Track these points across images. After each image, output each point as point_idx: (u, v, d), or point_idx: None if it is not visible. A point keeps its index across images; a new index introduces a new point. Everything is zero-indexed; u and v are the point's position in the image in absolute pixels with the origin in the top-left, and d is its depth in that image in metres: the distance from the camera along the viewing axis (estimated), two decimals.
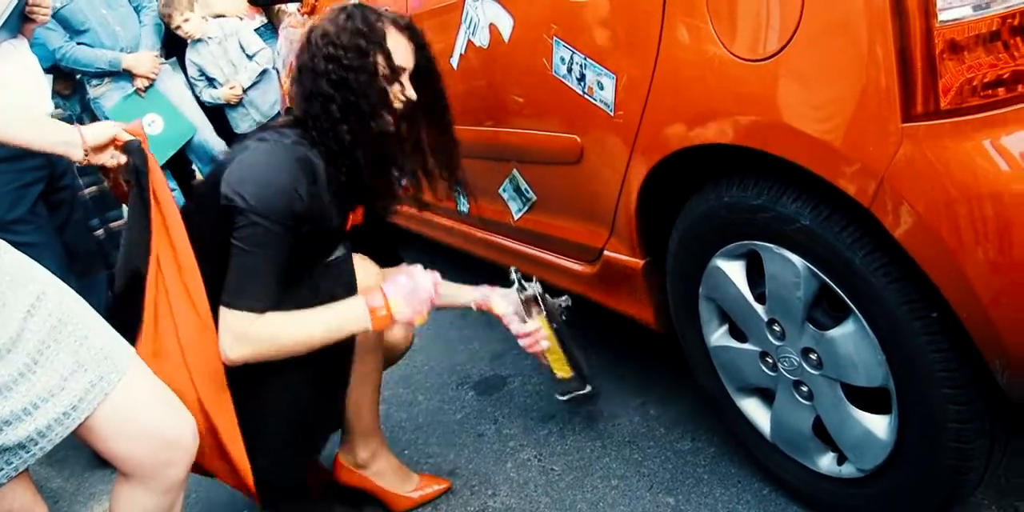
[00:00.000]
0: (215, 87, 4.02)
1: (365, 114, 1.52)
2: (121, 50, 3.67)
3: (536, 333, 1.69)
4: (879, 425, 1.32)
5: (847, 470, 1.44)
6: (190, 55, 3.99)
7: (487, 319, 2.77)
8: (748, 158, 1.33)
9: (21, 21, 2.12)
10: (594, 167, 1.69)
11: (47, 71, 3.44)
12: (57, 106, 3.37)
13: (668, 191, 1.56)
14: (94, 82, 3.79)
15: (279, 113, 4.50)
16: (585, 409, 2.16)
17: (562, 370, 1.74)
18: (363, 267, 1.68)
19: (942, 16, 1.01)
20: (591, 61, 1.57)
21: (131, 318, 1.50)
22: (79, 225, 2.39)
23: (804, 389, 1.43)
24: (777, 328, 1.42)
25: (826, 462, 1.48)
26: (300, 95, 1.57)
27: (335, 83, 1.51)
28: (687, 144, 1.41)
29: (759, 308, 1.44)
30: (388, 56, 1.53)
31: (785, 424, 1.52)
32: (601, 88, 1.57)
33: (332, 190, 1.56)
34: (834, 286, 1.27)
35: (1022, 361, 1.11)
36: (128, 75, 3.70)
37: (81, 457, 2.39)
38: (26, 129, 1.38)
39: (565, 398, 1.77)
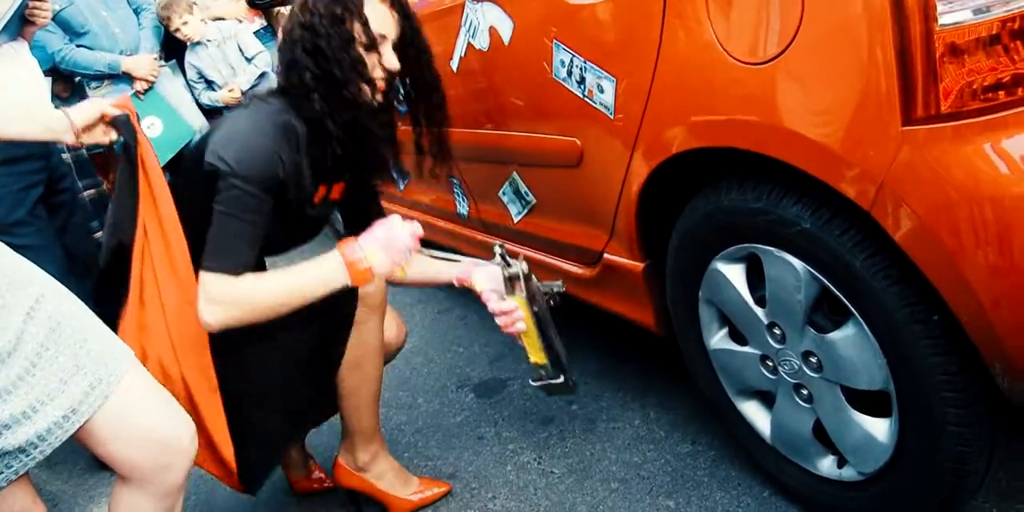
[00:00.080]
0: (214, 90, 4.01)
1: (339, 82, 1.50)
2: (121, 53, 3.67)
3: (513, 313, 1.63)
4: (879, 428, 1.32)
5: (847, 473, 1.43)
6: (189, 58, 3.99)
7: (487, 322, 2.78)
8: (748, 161, 1.33)
9: (21, 24, 2.12)
10: (594, 170, 1.69)
11: (46, 74, 3.44)
12: (56, 108, 3.38)
13: (668, 194, 1.56)
14: (93, 84, 3.78)
15: None
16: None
17: (536, 355, 1.68)
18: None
19: (942, 20, 1.01)
20: (591, 64, 1.58)
21: (117, 291, 1.51)
22: (79, 228, 2.40)
23: (804, 392, 1.43)
24: (777, 331, 1.42)
25: (826, 465, 1.48)
26: (280, 63, 1.56)
27: (310, 51, 1.49)
28: (687, 147, 1.41)
29: (759, 311, 1.44)
30: (365, 23, 1.51)
31: (785, 427, 1.52)
32: (601, 91, 1.57)
33: (311, 160, 1.54)
34: (834, 289, 1.27)
35: (1022, 364, 1.11)
36: (127, 78, 3.70)
37: (80, 460, 2.39)
38: (16, 120, 1.38)
39: (537, 384, 1.71)
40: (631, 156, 1.54)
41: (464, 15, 1.97)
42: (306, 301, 1.48)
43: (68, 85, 4.01)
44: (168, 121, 3.83)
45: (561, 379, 1.67)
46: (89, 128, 1.45)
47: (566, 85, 1.66)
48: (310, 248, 1.72)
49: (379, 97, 1.58)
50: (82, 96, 3.95)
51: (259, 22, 4.34)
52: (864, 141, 1.12)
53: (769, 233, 1.34)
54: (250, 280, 1.44)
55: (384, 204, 3.10)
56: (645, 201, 1.58)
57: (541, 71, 1.72)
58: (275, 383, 1.64)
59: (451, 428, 2.20)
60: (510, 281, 1.62)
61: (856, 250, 1.21)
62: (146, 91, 3.76)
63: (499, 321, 1.66)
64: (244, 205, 1.44)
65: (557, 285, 1.69)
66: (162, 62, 3.85)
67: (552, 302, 1.69)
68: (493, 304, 1.65)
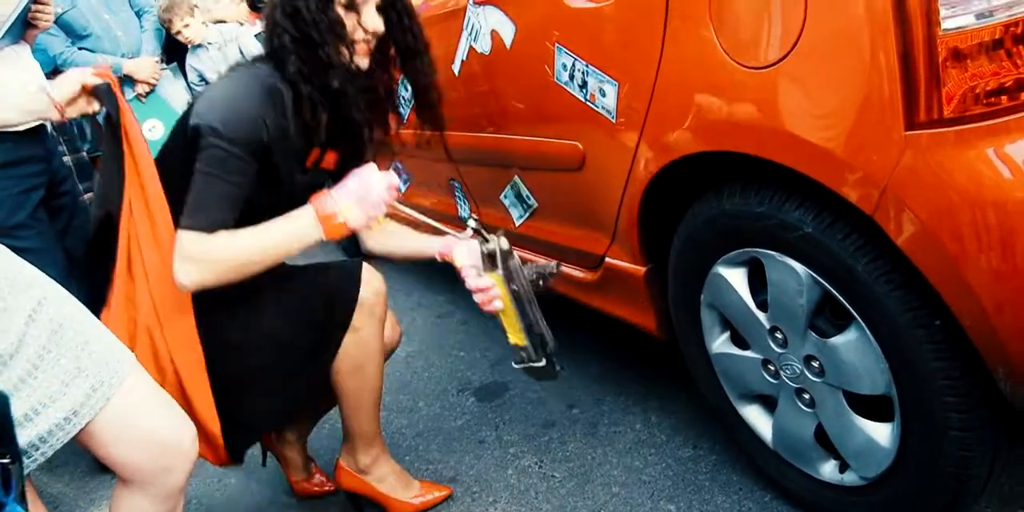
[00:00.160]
0: None
1: (316, 44, 1.48)
2: (123, 56, 3.67)
3: (489, 290, 1.58)
4: (881, 433, 1.32)
5: (849, 478, 1.43)
6: (190, 60, 3.99)
7: (487, 326, 2.78)
8: (750, 165, 1.33)
9: (23, 27, 2.12)
10: (596, 174, 1.69)
11: (48, 76, 3.44)
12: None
13: (670, 198, 1.56)
14: None
15: None
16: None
17: (515, 336, 1.62)
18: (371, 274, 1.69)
19: (945, 24, 1.01)
20: (593, 68, 1.58)
21: (104, 260, 1.52)
22: (80, 230, 2.39)
23: (806, 397, 1.43)
24: (779, 335, 1.41)
25: (828, 470, 1.47)
26: (264, 28, 1.56)
27: (288, 12, 1.49)
28: (689, 151, 1.41)
29: (761, 315, 1.44)
30: None
31: (787, 431, 1.52)
32: (603, 95, 1.57)
33: (298, 124, 1.53)
34: (836, 294, 1.27)
35: None
36: (129, 81, 3.70)
37: (81, 462, 2.39)
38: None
39: (519, 367, 1.65)
40: (633, 160, 1.54)
41: (466, 18, 1.97)
42: (280, 258, 1.47)
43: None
44: (170, 124, 3.82)
45: (543, 362, 1.61)
46: (72, 101, 1.44)
47: (568, 89, 1.66)
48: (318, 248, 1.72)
49: (361, 61, 1.56)
50: None
51: (260, 25, 4.35)
52: (867, 146, 1.12)
53: (771, 237, 1.34)
54: (223, 237, 1.43)
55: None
56: (647, 205, 1.58)
57: (543, 75, 1.72)
58: (265, 370, 1.63)
59: (452, 432, 2.20)
60: (488, 257, 1.56)
61: (858, 254, 1.21)
62: (147, 94, 3.77)
63: (476, 299, 1.61)
64: (226, 166, 1.44)
65: (551, 266, 1.64)
66: (163, 65, 3.86)
67: (543, 283, 1.62)
68: (470, 280, 1.61)
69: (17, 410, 1.17)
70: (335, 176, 1.71)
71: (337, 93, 1.52)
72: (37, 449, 1.20)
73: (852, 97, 1.12)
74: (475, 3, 1.92)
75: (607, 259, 1.79)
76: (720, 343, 1.60)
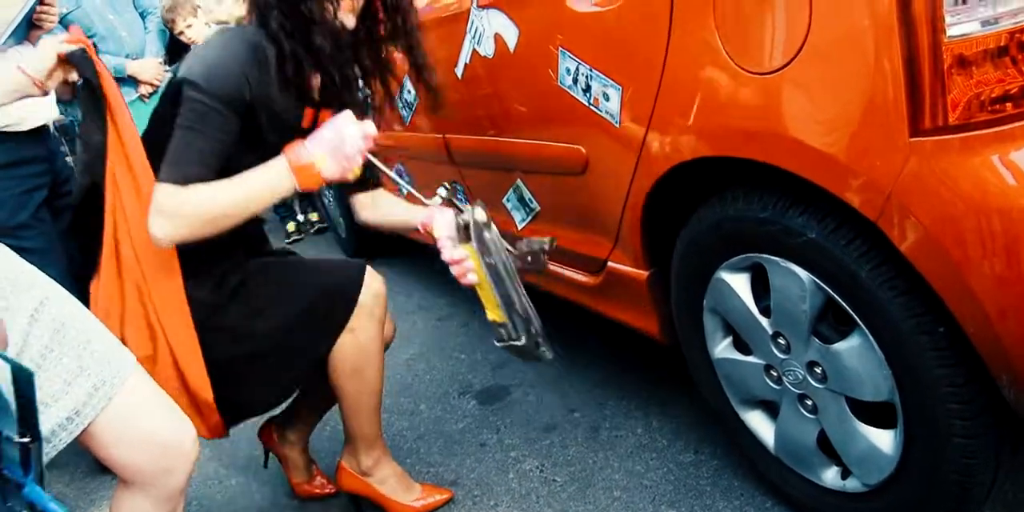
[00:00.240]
0: None
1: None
2: (127, 56, 3.68)
3: (462, 262, 1.53)
4: (884, 439, 1.32)
5: (851, 484, 1.43)
6: None
7: (489, 329, 2.77)
8: (754, 170, 1.32)
9: (28, 28, 2.12)
10: (599, 178, 1.69)
11: None
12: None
13: (673, 202, 1.56)
14: None
15: None
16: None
17: (493, 312, 1.57)
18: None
19: (950, 31, 1.01)
20: (597, 72, 1.57)
21: (88, 221, 1.53)
22: None
23: (809, 403, 1.43)
24: (782, 341, 1.41)
25: (830, 476, 1.47)
26: None
27: None
28: (693, 156, 1.40)
29: (764, 321, 1.43)
30: None
31: (789, 437, 1.51)
32: (607, 99, 1.57)
33: (282, 82, 1.52)
34: (840, 300, 1.27)
35: None
36: (132, 81, 3.71)
37: (81, 462, 2.39)
38: None
39: (500, 345, 1.60)
40: (636, 164, 1.54)
41: (469, 21, 1.97)
42: (254, 210, 1.47)
43: (71, 88, 4.02)
44: None
45: (523, 341, 1.55)
46: (50, 73, 1.43)
47: (571, 93, 1.66)
48: (319, 251, 1.71)
49: (346, 18, 1.54)
50: None
51: None
52: (871, 152, 1.12)
53: (775, 243, 1.34)
54: (196, 190, 1.42)
55: None
56: (650, 209, 1.58)
57: (546, 78, 1.72)
58: (259, 357, 1.63)
59: (453, 435, 2.20)
60: (463, 229, 1.51)
61: (862, 261, 1.21)
62: (151, 95, 3.77)
63: (452, 271, 1.57)
64: (206, 119, 1.43)
65: (544, 242, 1.58)
66: (167, 66, 3.86)
67: (533, 260, 1.57)
68: (445, 252, 1.57)
69: None
70: None
71: (320, 49, 1.50)
72: None
73: (857, 103, 1.12)
74: (478, 6, 1.92)
75: (610, 263, 1.79)
76: (722, 348, 1.60)
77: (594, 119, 1.62)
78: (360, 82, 1.68)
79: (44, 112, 2.28)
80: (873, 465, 1.35)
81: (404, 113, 2.52)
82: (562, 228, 1.95)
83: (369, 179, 1.78)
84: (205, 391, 1.55)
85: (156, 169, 1.45)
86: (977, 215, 1.05)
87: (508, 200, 2.11)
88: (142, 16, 3.79)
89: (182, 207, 1.41)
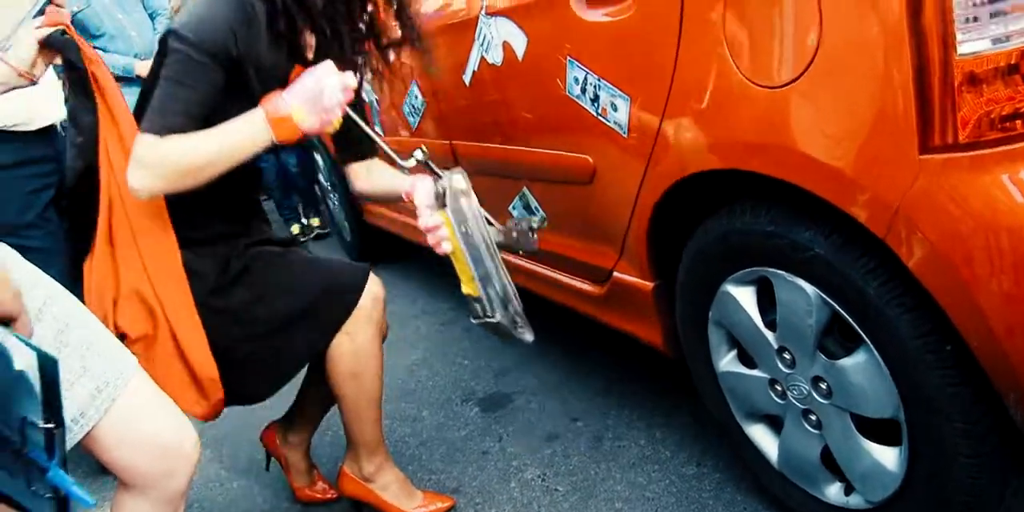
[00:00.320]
0: None
1: None
2: (136, 56, 3.69)
3: (436, 230, 1.50)
4: (889, 457, 1.31)
5: (855, 501, 1.42)
6: None
7: (491, 335, 2.77)
8: (762, 184, 1.32)
9: None
10: (606, 188, 1.69)
11: (60, 75, 3.46)
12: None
13: (680, 214, 1.55)
14: None
15: None
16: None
17: (467, 285, 1.52)
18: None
19: (961, 49, 1.00)
20: (605, 82, 1.57)
21: (86, 216, 1.52)
22: None
23: (813, 418, 1.42)
24: (787, 356, 1.40)
25: (833, 492, 1.46)
26: None
27: None
28: (701, 168, 1.40)
29: (769, 335, 1.43)
30: None
31: (793, 452, 1.51)
32: (615, 109, 1.56)
33: (274, 37, 1.51)
34: (846, 315, 1.26)
35: None
36: (141, 81, 3.72)
37: (83, 463, 2.38)
38: None
39: (475, 322, 1.56)
40: (644, 175, 1.53)
41: (478, 29, 1.97)
42: (231, 162, 1.44)
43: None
44: None
45: (498, 318, 1.50)
46: (34, 62, 1.42)
47: (579, 102, 1.66)
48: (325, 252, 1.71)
49: None
50: None
51: None
52: (880, 168, 1.11)
53: (782, 257, 1.33)
54: (174, 141, 1.41)
55: (392, 214, 3.11)
56: (656, 220, 1.58)
57: (555, 87, 1.71)
58: (252, 341, 1.63)
59: (455, 442, 2.19)
60: (440, 196, 1.48)
61: (869, 277, 1.20)
62: None
63: (428, 240, 1.54)
64: (188, 70, 1.42)
65: (534, 220, 1.54)
66: None
67: (519, 237, 1.53)
68: (421, 219, 1.54)
69: None
70: None
71: (312, 4, 1.49)
72: None
73: (866, 119, 1.11)
74: (487, 14, 1.92)
75: (615, 273, 1.79)
76: (727, 361, 1.59)
77: (602, 129, 1.61)
78: (354, 42, 1.63)
79: (52, 112, 2.28)
80: (877, 482, 1.34)
81: (411, 119, 2.52)
82: (568, 237, 1.94)
83: (362, 145, 1.76)
84: (209, 366, 1.55)
85: None
86: (986, 233, 1.04)
87: (514, 208, 2.11)
88: (152, 17, 3.80)
89: (158, 158, 1.40)
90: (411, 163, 1.53)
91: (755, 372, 1.51)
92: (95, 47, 3.60)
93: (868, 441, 1.33)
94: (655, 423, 2.07)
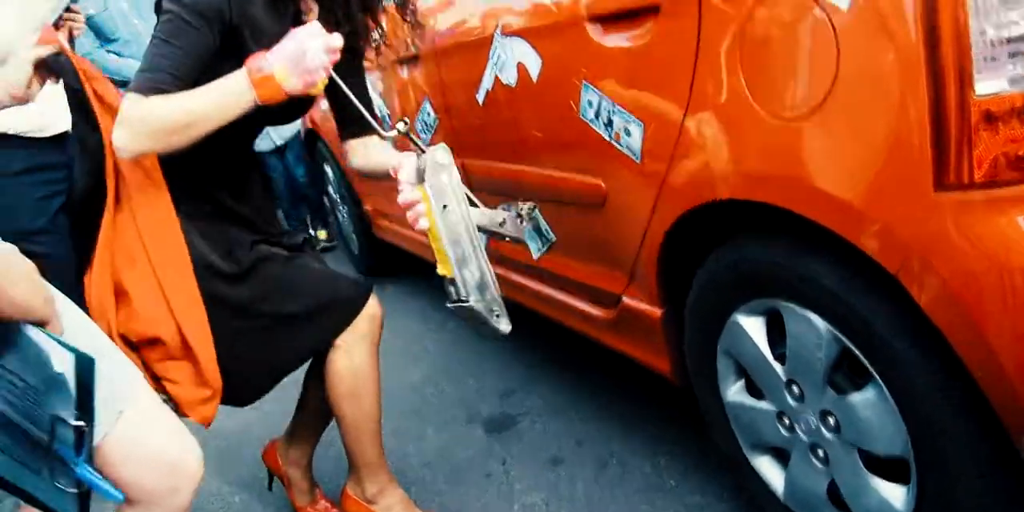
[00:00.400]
0: None
1: None
2: None
3: (414, 206, 1.46)
4: (896, 495, 1.29)
5: None
6: None
7: (500, 355, 2.76)
8: (774, 215, 1.31)
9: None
10: (617, 213, 1.68)
11: None
12: None
13: (691, 242, 1.54)
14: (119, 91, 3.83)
15: (299, 133, 4.52)
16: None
17: (443, 265, 1.47)
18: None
19: (979, 88, 0.99)
20: (619, 108, 1.57)
21: (90, 235, 1.54)
22: None
23: (820, 452, 1.40)
24: (796, 389, 1.39)
25: None
26: None
27: None
28: (713, 198, 1.39)
29: (778, 367, 1.41)
30: None
31: (799, 486, 1.49)
32: (628, 135, 1.56)
33: (271, 1, 1.51)
34: (856, 351, 1.25)
35: None
36: None
37: None
38: None
39: (450, 306, 1.52)
40: (655, 202, 1.53)
41: (492, 48, 1.97)
42: (215, 123, 1.43)
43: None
44: None
45: (472, 302, 1.47)
46: (30, 82, 1.41)
47: (593, 126, 1.65)
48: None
49: None
50: None
51: None
52: (894, 204, 1.10)
53: (792, 289, 1.32)
54: (157, 100, 1.40)
55: (401, 229, 3.10)
56: (667, 247, 1.57)
57: (568, 110, 1.71)
58: (246, 336, 1.64)
59: (459, 463, 2.18)
60: (421, 170, 1.44)
61: (879, 312, 1.19)
62: None
63: (407, 217, 1.50)
64: (178, 31, 1.42)
65: (524, 207, 1.52)
66: None
67: (504, 222, 1.52)
68: (401, 195, 1.49)
69: None
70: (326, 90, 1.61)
71: None
72: None
73: (881, 155, 1.10)
74: (503, 34, 1.92)
75: (624, 299, 1.78)
76: (735, 391, 1.57)
77: (615, 154, 1.61)
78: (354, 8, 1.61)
79: (65, 119, 2.29)
80: None
81: (423, 135, 2.52)
82: (578, 260, 1.94)
83: (361, 122, 1.70)
84: (212, 364, 1.56)
85: None
86: (1000, 273, 1.03)
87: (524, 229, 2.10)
88: None
89: (142, 117, 1.40)
90: (393, 134, 1.53)
91: (763, 404, 1.50)
92: (109, 51, 3.65)
93: (876, 478, 1.31)
94: (660, 451, 2.05)
